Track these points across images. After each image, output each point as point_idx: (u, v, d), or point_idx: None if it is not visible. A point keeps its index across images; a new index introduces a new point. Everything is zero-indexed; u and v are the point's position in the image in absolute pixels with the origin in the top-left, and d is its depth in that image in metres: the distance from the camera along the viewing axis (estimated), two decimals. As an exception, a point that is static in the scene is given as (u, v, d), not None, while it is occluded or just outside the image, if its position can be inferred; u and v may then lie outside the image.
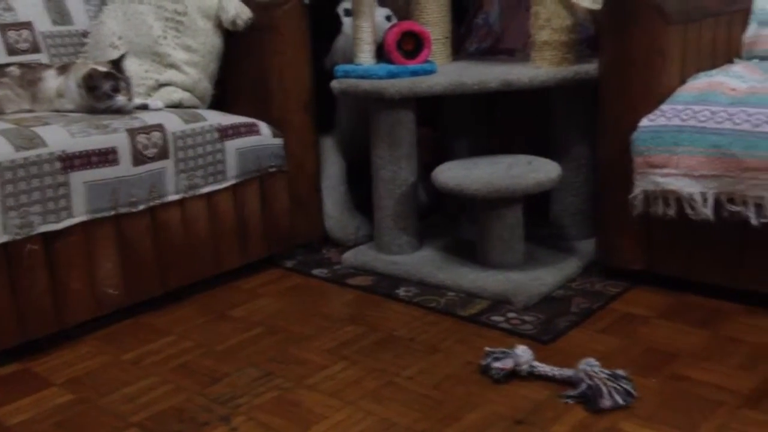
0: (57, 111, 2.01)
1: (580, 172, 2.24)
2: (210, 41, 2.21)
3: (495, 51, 2.55)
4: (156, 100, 2.13)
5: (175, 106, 2.16)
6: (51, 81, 2.02)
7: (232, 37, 2.26)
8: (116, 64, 1.99)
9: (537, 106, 2.39)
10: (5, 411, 1.55)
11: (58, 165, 1.75)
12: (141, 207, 1.92)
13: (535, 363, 1.57)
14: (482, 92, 2.09)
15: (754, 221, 1.72)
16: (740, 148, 1.70)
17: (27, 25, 2.26)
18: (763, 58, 2.16)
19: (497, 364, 1.57)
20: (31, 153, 1.71)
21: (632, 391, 1.47)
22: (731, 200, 1.75)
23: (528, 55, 2.23)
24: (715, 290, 1.90)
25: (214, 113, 2.14)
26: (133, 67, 2.13)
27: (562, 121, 2.24)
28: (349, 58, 2.27)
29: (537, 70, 2.11)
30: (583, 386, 1.47)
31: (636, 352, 1.67)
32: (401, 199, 2.21)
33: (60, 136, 1.77)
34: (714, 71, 1.98)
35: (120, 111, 1.98)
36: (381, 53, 2.21)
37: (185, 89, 2.19)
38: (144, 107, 2.07)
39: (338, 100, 2.42)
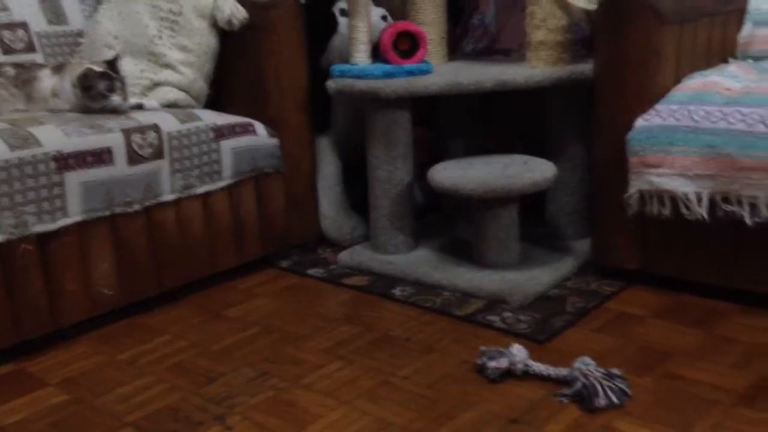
0: (52, 111, 2.01)
1: (575, 171, 2.24)
2: (205, 41, 2.21)
3: (491, 51, 2.55)
4: (151, 100, 2.13)
5: (171, 105, 2.16)
6: (46, 81, 2.02)
7: (227, 37, 2.26)
8: (111, 63, 1.99)
9: (533, 106, 2.39)
10: (0, 411, 1.55)
11: (52, 165, 1.74)
12: (136, 207, 1.91)
13: (530, 362, 1.58)
14: (478, 92, 2.09)
15: (748, 221, 1.73)
16: (735, 147, 1.71)
17: (22, 25, 2.26)
18: (757, 58, 2.17)
19: (492, 364, 1.57)
20: (26, 153, 1.70)
21: (627, 390, 1.48)
22: (726, 200, 1.76)
23: (524, 55, 2.24)
24: (710, 290, 1.90)
25: (209, 113, 2.14)
26: (128, 66, 2.12)
27: (558, 121, 2.24)
28: (345, 58, 2.27)
29: (533, 70, 2.12)
30: (578, 385, 1.48)
31: (631, 351, 1.67)
32: (397, 198, 2.21)
33: (55, 136, 1.77)
34: (709, 71, 1.98)
35: (115, 111, 1.98)
36: (377, 53, 2.21)
37: (181, 89, 2.19)
38: (139, 107, 2.07)
39: (334, 100, 2.42)
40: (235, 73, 2.29)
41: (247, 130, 2.16)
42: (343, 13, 2.40)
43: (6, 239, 1.68)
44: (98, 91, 1.95)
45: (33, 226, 1.72)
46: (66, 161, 1.76)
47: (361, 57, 2.19)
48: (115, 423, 1.49)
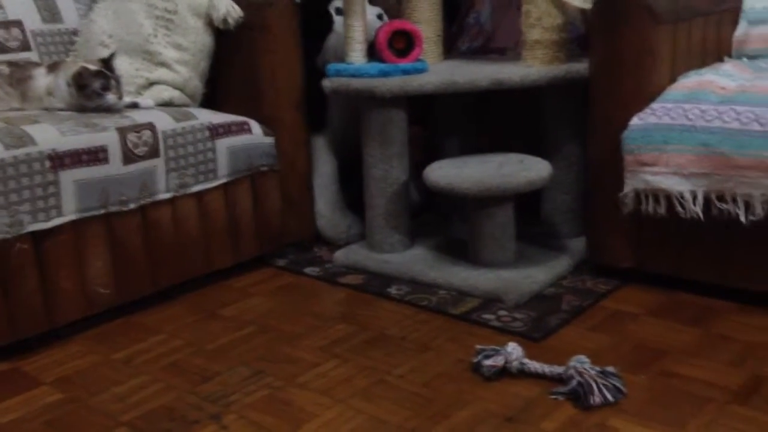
0: (47, 109, 2.01)
1: (570, 170, 2.25)
2: (201, 40, 2.21)
3: (486, 50, 2.55)
4: (146, 99, 2.12)
5: (166, 104, 2.16)
6: (41, 79, 2.01)
7: (222, 36, 2.25)
8: (106, 62, 1.99)
9: (528, 104, 2.39)
10: (-5, 410, 1.55)
11: (47, 164, 1.74)
12: (131, 206, 1.91)
13: (526, 360, 1.58)
14: (473, 91, 2.09)
15: (743, 219, 1.73)
16: (729, 146, 1.71)
17: (17, 24, 2.25)
18: (752, 57, 2.17)
19: (488, 362, 1.58)
20: (21, 151, 1.70)
21: (622, 387, 1.48)
22: (721, 198, 1.76)
23: (519, 53, 2.24)
24: (705, 288, 1.91)
25: (205, 112, 2.14)
26: (123, 65, 2.12)
27: (553, 120, 2.24)
28: (341, 57, 2.27)
29: (528, 68, 2.12)
30: (573, 383, 1.48)
31: (626, 349, 1.68)
32: (393, 197, 2.21)
33: (50, 135, 1.77)
34: (704, 70, 1.99)
35: (110, 109, 1.97)
36: (372, 52, 2.21)
37: (176, 88, 2.19)
38: (134, 106, 2.07)
39: (330, 98, 2.41)
40: (230, 71, 2.28)
41: (242, 128, 2.16)
42: (339, 11, 2.40)
43: (1, 238, 1.67)
44: (93, 89, 1.95)
45: (28, 225, 1.72)
46: (61, 160, 1.76)
47: (357, 56, 2.19)
48: (110, 422, 1.49)
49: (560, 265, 2.10)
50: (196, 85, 2.24)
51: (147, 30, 2.18)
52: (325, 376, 1.62)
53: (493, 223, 2.06)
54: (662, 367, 1.59)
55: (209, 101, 2.28)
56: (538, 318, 1.84)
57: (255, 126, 2.19)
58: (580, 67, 2.09)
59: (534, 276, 2.02)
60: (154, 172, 1.95)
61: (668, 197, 1.82)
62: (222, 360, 1.72)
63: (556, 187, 2.26)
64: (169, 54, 2.18)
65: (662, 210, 1.84)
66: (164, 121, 1.99)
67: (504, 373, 1.57)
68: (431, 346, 1.74)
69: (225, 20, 2.20)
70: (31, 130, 1.76)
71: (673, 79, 1.94)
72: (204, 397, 1.56)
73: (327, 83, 2.20)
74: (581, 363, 1.51)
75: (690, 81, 1.90)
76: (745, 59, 2.17)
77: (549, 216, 2.31)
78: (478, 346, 1.64)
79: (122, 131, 1.88)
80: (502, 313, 1.88)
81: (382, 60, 2.17)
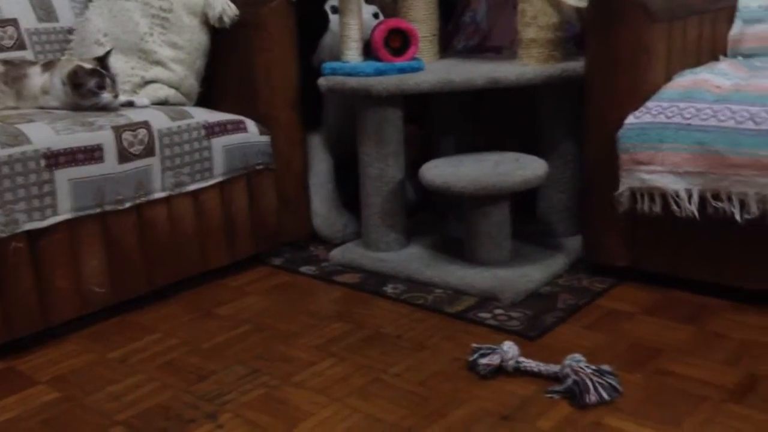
0: (42, 108, 2.00)
1: (566, 169, 2.25)
2: (196, 38, 2.21)
3: (482, 48, 2.55)
4: (142, 98, 2.12)
5: (162, 103, 2.15)
6: (36, 78, 2.01)
7: (218, 34, 2.25)
8: (102, 61, 1.98)
9: (524, 103, 2.39)
10: (-10, 409, 1.55)
11: (42, 162, 1.74)
12: (127, 205, 1.91)
13: (522, 359, 1.58)
14: (469, 90, 2.09)
15: (738, 218, 1.73)
16: (724, 145, 1.72)
17: (12, 22, 2.24)
18: (747, 56, 2.18)
19: (484, 360, 1.58)
20: (16, 150, 1.70)
21: (617, 386, 1.48)
22: (716, 197, 1.76)
23: (515, 52, 2.24)
24: (701, 286, 1.91)
25: (200, 110, 2.14)
26: (118, 64, 2.12)
27: (549, 119, 2.24)
28: (336, 56, 2.27)
29: (524, 67, 2.12)
30: (569, 382, 1.48)
31: (621, 347, 1.68)
32: (389, 196, 2.21)
33: (45, 134, 1.76)
34: (699, 69, 1.99)
35: (105, 108, 1.97)
36: (368, 50, 2.21)
37: (171, 86, 2.19)
38: (130, 104, 2.07)
39: (325, 97, 2.41)
40: (226, 70, 2.28)
41: (238, 127, 2.15)
42: (335, 10, 2.39)
43: (-4, 237, 1.67)
44: (88, 88, 1.94)
45: (23, 224, 1.71)
46: (56, 159, 1.76)
47: (353, 54, 2.19)
48: (105, 421, 1.49)
49: (556, 263, 2.10)
50: (192, 83, 2.23)
51: (142, 28, 2.18)
52: (321, 375, 1.62)
53: (488, 222, 2.06)
54: (658, 366, 1.59)
55: (205, 100, 2.28)
56: (533, 316, 1.84)
57: (251, 125, 2.19)
58: (576, 65, 2.09)
59: (530, 275, 2.02)
60: (149, 170, 1.94)
61: (663, 196, 1.83)
62: (218, 359, 1.72)
63: (551, 185, 2.26)
64: (165, 52, 2.18)
65: (657, 208, 1.84)
66: (160, 120, 1.98)
67: (500, 371, 1.58)
68: (427, 345, 1.74)
69: (220, 19, 2.19)
70: (26, 128, 1.75)
71: (668, 78, 1.95)
72: (200, 395, 1.56)
73: (323, 82, 2.20)
74: (577, 361, 1.51)
75: (685, 80, 1.90)
76: (740, 58, 2.17)
77: (545, 215, 2.32)
78: (474, 345, 1.64)
79: (118, 130, 1.88)
80: (498, 311, 1.89)
81: (378, 59, 2.17)
